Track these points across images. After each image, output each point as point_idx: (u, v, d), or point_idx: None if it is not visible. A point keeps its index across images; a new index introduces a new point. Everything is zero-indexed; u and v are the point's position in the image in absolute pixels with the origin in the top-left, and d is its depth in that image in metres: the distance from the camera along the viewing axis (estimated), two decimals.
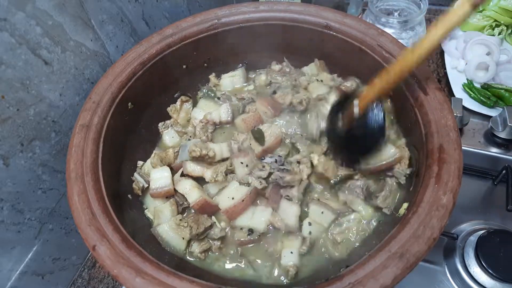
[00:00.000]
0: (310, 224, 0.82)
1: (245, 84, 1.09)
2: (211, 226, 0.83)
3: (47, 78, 0.82)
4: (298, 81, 1.03)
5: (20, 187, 0.80)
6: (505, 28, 1.35)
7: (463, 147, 0.69)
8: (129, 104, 0.89)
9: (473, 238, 0.93)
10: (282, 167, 0.86)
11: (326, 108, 0.88)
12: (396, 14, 1.32)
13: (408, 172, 0.81)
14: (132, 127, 0.92)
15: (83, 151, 0.74)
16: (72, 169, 0.72)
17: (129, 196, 0.85)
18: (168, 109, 1.02)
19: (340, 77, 1.02)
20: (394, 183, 0.83)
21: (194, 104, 1.06)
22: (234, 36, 1.00)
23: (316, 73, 1.04)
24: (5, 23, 0.70)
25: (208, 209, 0.84)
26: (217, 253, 0.82)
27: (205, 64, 1.05)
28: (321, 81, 1.01)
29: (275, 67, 1.07)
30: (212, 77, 1.07)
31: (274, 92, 1.01)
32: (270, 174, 0.86)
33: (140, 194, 0.88)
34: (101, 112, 0.80)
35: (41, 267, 0.89)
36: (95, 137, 0.76)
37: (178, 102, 1.03)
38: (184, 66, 1.01)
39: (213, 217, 0.85)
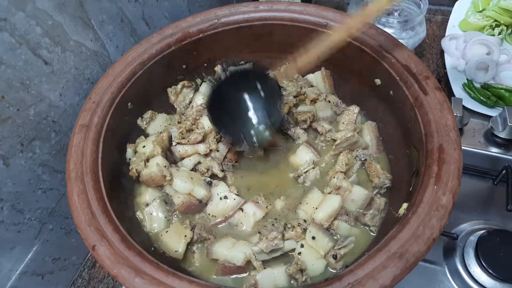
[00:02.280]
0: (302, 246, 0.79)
1: None
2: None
3: (47, 78, 0.82)
4: (305, 91, 1.03)
5: (20, 187, 0.80)
6: (505, 28, 1.35)
7: (463, 147, 0.69)
8: (129, 104, 0.89)
9: (473, 238, 0.93)
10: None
11: None
12: (396, 14, 1.32)
13: (387, 185, 0.85)
14: (132, 127, 0.93)
15: (83, 151, 0.74)
16: (72, 169, 0.72)
17: (129, 196, 0.86)
18: (169, 89, 1.01)
19: (344, 103, 1.02)
20: (383, 202, 0.83)
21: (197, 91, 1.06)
22: (234, 36, 1.00)
23: (321, 83, 1.04)
24: (5, 23, 0.70)
25: (194, 209, 0.85)
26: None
27: (205, 64, 1.05)
28: (329, 101, 1.01)
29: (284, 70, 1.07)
30: (217, 68, 1.07)
31: None
32: None
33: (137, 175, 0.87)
34: (101, 112, 0.80)
35: (41, 267, 0.89)
36: (95, 137, 0.76)
37: (180, 85, 1.02)
38: (184, 66, 1.01)
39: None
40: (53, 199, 0.89)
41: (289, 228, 0.80)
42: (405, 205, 0.73)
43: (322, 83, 1.04)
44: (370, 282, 0.56)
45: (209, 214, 0.85)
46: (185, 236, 0.79)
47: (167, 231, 0.81)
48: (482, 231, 0.93)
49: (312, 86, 1.05)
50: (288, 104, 0.99)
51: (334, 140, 0.92)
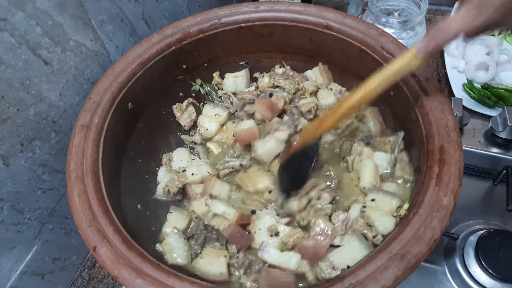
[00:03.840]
0: None
1: (247, 90, 1.08)
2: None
3: (47, 78, 0.82)
4: (303, 85, 1.03)
5: (20, 187, 0.80)
6: None
7: (463, 147, 0.69)
8: (129, 104, 0.88)
9: (473, 238, 0.93)
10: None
11: None
12: (396, 14, 1.32)
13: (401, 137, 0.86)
14: (132, 127, 0.92)
15: (83, 152, 0.74)
16: (72, 170, 0.71)
17: (130, 196, 0.85)
18: (174, 106, 1.03)
19: (347, 90, 1.02)
20: (405, 155, 0.84)
21: (197, 109, 1.06)
22: (234, 36, 0.99)
23: (320, 78, 1.04)
24: (5, 23, 0.70)
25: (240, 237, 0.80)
26: None
27: (205, 64, 1.05)
28: (331, 89, 1.01)
29: (279, 70, 1.07)
30: (215, 75, 1.07)
31: (270, 95, 1.02)
32: None
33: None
34: (101, 112, 0.80)
35: (41, 267, 0.89)
36: (95, 137, 0.76)
37: (185, 103, 1.03)
38: (184, 66, 1.01)
39: None
40: (53, 199, 0.89)
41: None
42: (406, 206, 0.73)
43: (321, 78, 1.04)
44: (372, 283, 0.56)
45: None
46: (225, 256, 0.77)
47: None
48: (482, 231, 0.93)
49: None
50: (284, 99, 0.99)
51: (337, 128, 0.93)
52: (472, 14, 0.58)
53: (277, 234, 0.79)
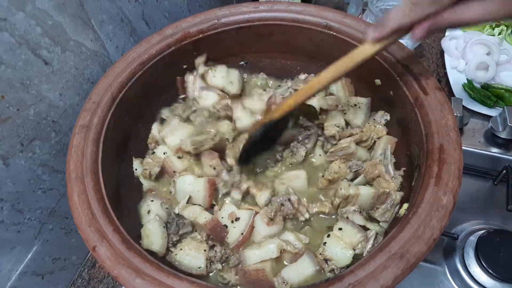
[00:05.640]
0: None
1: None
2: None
3: (47, 78, 0.82)
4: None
5: (20, 187, 0.80)
6: (505, 28, 1.35)
7: (463, 147, 0.69)
8: (129, 104, 0.88)
9: (473, 238, 0.93)
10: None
11: None
12: None
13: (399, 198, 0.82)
14: (132, 127, 0.92)
15: (83, 152, 0.74)
16: (72, 170, 0.71)
17: (129, 196, 0.85)
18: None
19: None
20: (399, 197, 0.81)
21: None
22: (234, 36, 0.99)
23: (341, 91, 1.00)
24: (5, 23, 0.70)
25: (219, 231, 0.82)
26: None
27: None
28: (355, 105, 0.97)
29: (302, 76, 1.06)
30: (199, 61, 1.03)
31: None
32: None
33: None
34: (101, 113, 0.80)
35: (41, 267, 0.89)
36: (95, 137, 0.76)
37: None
38: (184, 66, 1.01)
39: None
40: (53, 199, 0.89)
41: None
42: (405, 205, 0.73)
43: (342, 91, 1.00)
44: (371, 282, 0.56)
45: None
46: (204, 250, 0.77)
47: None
48: (482, 231, 0.93)
49: (332, 94, 1.01)
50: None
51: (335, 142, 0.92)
52: (409, 6, 0.62)
53: (237, 219, 0.83)
